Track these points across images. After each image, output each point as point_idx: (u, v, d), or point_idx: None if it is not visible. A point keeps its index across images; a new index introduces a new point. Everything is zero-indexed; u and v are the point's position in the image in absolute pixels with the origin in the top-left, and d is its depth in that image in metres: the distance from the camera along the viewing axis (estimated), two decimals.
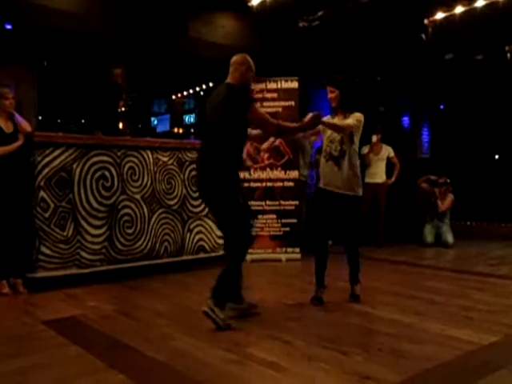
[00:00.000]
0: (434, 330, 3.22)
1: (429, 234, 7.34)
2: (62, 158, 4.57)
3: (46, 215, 4.45)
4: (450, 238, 7.22)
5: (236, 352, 2.81)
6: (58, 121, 10.88)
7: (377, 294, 4.30)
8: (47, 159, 4.48)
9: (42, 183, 4.44)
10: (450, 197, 7.35)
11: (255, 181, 6.00)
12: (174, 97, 13.66)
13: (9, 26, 6.14)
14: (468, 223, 8.63)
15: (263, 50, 7.83)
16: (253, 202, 5.74)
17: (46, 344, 2.99)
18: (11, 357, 2.77)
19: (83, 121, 9.80)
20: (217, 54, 7.49)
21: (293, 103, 6.04)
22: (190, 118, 14.38)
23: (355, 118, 3.83)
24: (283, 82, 6.09)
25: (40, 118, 6.96)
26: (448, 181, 7.38)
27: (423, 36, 7.69)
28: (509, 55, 7.74)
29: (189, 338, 3.08)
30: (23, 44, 6.19)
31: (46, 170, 4.47)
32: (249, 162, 5.96)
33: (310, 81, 7.82)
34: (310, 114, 3.59)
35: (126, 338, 3.05)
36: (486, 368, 2.59)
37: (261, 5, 6.82)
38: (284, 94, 6.08)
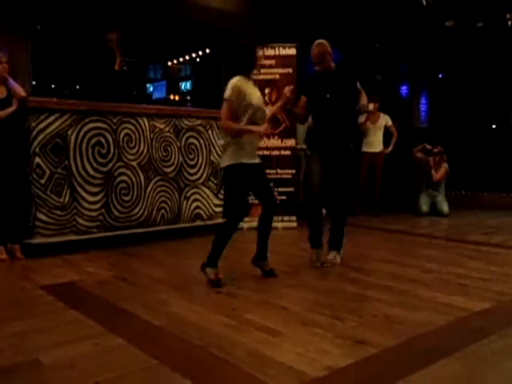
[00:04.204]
0: (428, 296, 3.28)
1: (424, 204, 7.38)
2: (57, 124, 4.52)
3: (42, 182, 4.44)
4: (445, 207, 7.26)
5: (233, 317, 2.85)
6: (52, 86, 10.72)
7: (372, 261, 4.35)
8: (42, 125, 4.44)
9: (37, 149, 4.41)
10: (445, 166, 7.35)
11: None
12: (169, 63, 13.45)
13: None
14: (463, 192, 8.67)
15: (261, 15, 7.68)
16: None
17: (45, 308, 3.02)
18: (11, 321, 2.80)
19: (78, 86, 9.65)
20: (213, 19, 7.34)
21: (290, 70, 5.96)
22: (186, 85, 14.19)
23: None
24: (281, 49, 6.00)
25: (34, 83, 6.84)
26: (442, 150, 7.36)
27: (424, 2, 7.55)
28: (509, 23, 7.63)
29: (186, 303, 3.12)
30: (16, 7, 6.03)
31: (41, 136, 4.43)
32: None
33: (308, 47, 7.68)
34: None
35: (124, 303, 3.09)
36: (478, 333, 2.64)
37: None
38: (282, 60, 5.99)
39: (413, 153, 7.66)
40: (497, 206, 8.08)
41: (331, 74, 4.02)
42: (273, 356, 2.32)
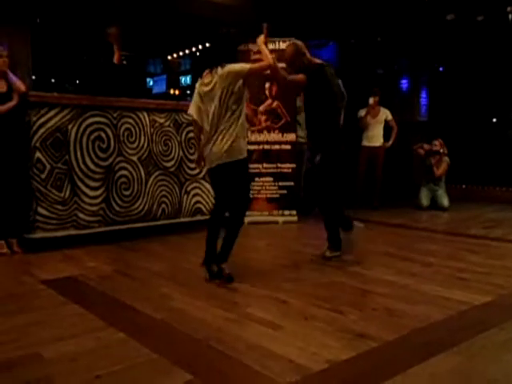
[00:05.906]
0: (428, 290, 3.28)
1: (424, 198, 7.38)
2: (57, 118, 4.51)
3: (43, 176, 4.44)
4: (445, 201, 7.26)
5: (234, 311, 2.86)
6: (52, 80, 10.68)
7: (372, 255, 4.36)
8: (42, 120, 4.43)
9: (37, 144, 4.41)
10: (446, 161, 7.34)
11: (252, 143, 5.96)
12: (169, 57, 13.39)
13: None
14: (464, 186, 8.67)
15: (261, 9, 7.64)
16: (250, 165, 5.72)
17: (46, 303, 3.03)
18: (12, 314, 2.82)
19: (78, 81, 9.62)
20: (213, 12, 7.31)
21: None
22: (186, 79, 14.13)
23: None
24: (281, 43, 5.97)
25: (34, 77, 6.81)
26: (441, 151, 7.33)
27: None
28: (510, 16, 7.59)
29: (187, 297, 3.13)
30: (15, 0, 6.00)
31: (42, 131, 4.43)
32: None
33: (308, 42, 7.66)
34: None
35: (125, 297, 3.10)
36: (478, 327, 2.65)
37: None
38: (281, 55, 5.95)
39: (413, 149, 7.65)
40: (497, 199, 8.08)
41: (311, 72, 3.98)
42: (273, 349, 2.33)
